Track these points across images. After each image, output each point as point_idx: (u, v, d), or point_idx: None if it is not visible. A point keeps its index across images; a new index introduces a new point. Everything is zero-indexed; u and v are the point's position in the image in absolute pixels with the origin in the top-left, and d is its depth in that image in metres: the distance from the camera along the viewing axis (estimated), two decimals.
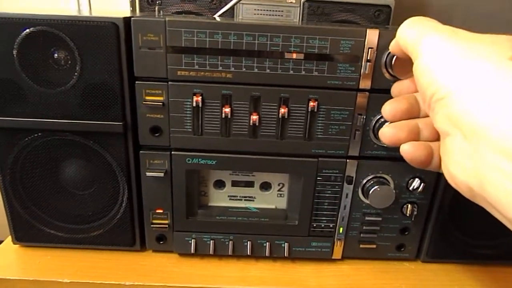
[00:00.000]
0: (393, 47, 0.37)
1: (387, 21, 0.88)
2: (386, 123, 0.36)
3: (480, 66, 0.25)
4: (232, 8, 0.63)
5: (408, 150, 0.34)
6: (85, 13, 0.49)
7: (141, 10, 0.85)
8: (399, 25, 0.34)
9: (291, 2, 0.88)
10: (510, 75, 0.23)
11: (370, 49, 0.40)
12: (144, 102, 0.42)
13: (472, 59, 0.25)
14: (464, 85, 0.25)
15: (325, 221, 0.49)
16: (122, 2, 0.94)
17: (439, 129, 0.28)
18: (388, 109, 0.36)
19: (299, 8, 0.89)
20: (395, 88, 0.39)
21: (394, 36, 0.40)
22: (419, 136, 0.34)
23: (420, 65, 0.29)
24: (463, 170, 0.26)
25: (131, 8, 0.87)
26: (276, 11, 0.89)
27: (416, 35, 0.31)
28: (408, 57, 0.32)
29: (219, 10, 0.65)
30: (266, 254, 0.49)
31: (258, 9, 0.88)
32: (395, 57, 0.39)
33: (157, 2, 0.83)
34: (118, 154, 0.44)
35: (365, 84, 0.42)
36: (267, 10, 0.88)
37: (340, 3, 0.87)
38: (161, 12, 0.46)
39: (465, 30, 0.30)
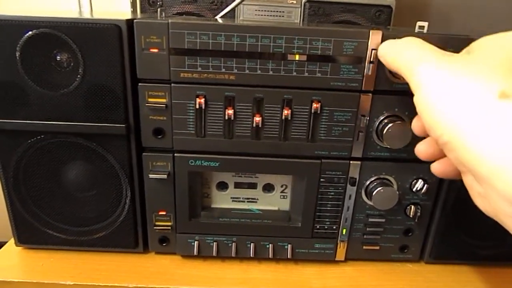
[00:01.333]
0: (381, 60, 0.37)
1: (388, 22, 0.88)
2: (421, 141, 0.36)
3: (476, 109, 0.24)
4: (233, 9, 0.63)
5: (436, 169, 0.34)
6: (87, 14, 0.49)
7: (142, 11, 0.85)
8: (399, 25, 0.34)
9: (292, 3, 0.88)
10: (501, 119, 0.23)
11: (373, 51, 0.40)
12: (147, 104, 0.42)
13: (468, 100, 0.25)
14: (464, 130, 0.24)
15: (328, 223, 0.49)
16: (123, 3, 0.94)
17: (456, 165, 0.28)
18: (414, 125, 0.35)
19: (300, 9, 0.89)
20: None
21: (397, 37, 0.40)
22: None
23: (419, 102, 0.28)
24: (483, 205, 0.26)
25: (132, 9, 0.87)
26: (277, 11, 0.88)
27: (407, 63, 0.31)
28: None
29: (220, 11, 0.65)
30: (269, 256, 0.49)
31: (259, 10, 0.88)
32: None
33: (158, 3, 0.83)
34: (121, 156, 0.44)
35: (368, 85, 0.42)
36: (268, 11, 0.88)
37: (341, 3, 0.87)
38: (163, 13, 0.46)
39: (456, 55, 0.29)
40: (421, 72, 0.29)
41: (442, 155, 0.34)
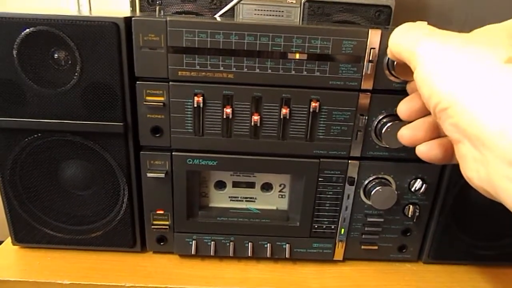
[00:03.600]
0: (389, 54, 0.37)
1: (388, 22, 0.88)
2: (404, 125, 0.36)
3: (479, 74, 0.24)
4: (232, 8, 0.62)
5: (423, 151, 0.34)
6: (85, 13, 0.49)
7: (141, 10, 0.85)
8: (399, 25, 0.34)
9: (291, 3, 0.88)
10: (508, 82, 0.23)
11: (372, 50, 0.40)
12: (144, 103, 0.42)
13: (470, 66, 0.25)
14: (466, 95, 0.24)
15: (326, 222, 0.48)
16: (122, 2, 0.93)
17: (449, 136, 0.28)
18: (403, 109, 0.36)
19: (299, 9, 0.89)
20: (408, 87, 0.39)
21: None
22: (439, 131, 0.34)
23: (419, 75, 0.29)
24: (478, 176, 0.26)
25: (131, 8, 0.87)
26: (276, 11, 0.88)
27: (408, 44, 0.31)
28: None
29: (219, 10, 0.65)
30: (267, 255, 0.49)
31: (258, 9, 0.88)
32: None
33: (157, 2, 0.83)
34: (119, 155, 0.44)
35: (367, 84, 0.42)
36: (267, 10, 0.88)
37: (341, 3, 0.87)
38: (162, 12, 0.46)
39: (456, 32, 0.29)
40: (424, 47, 0.29)
41: (426, 139, 0.34)
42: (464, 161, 0.27)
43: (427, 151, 0.34)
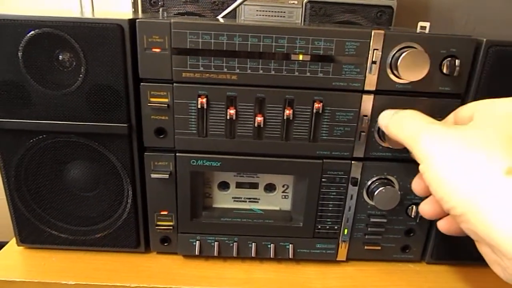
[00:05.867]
0: (385, 130, 0.39)
1: (389, 22, 0.88)
2: (424, 200, 0.38)
3: (485, 186, 0.25)
4: (235, 9, 0.63)
5: (443, 227, 0.35)
6: (88, 14, 0.49)
7: (143, 11, 0.85)
8: (401, 25, 0.35)
9: (293, 3, 0.88)
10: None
11: (375, 51, 0.40)
12: (149, 104, 0.42)
13: (476, 177, 0.26)
14: (479, 204, 0.25)
15: (329, 223, 0.49)
16: (124, 4, 0.94)
17: (468, 234, 0.28)
18: (416, 188, 0.38)
19: (301, 9, 0.89)
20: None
21: (399, 38, 0.40)
22: None
23: (427, 174, 0.30)
24: (502, 274, 0.27)
25: (133, 10, 0.87)
26: (278, 12, 0.89)
27: (409, 135, 0.33)
28: None
29: (221, 11, 0.65)
30: (271, 256, 0.49)
31: (260, 10, 0.88)
32: None
33: (160, 3, 0.83)
34: (123, 156, 0.44)
35: (370, 85, 0.42)
36: (269, 11, 0.88)
37: (342, 4, 0.87)
38: (165, 13, 0.46)
39: (454, 128, 0.30)
40: (425, 144, 0.30)
41: (446, 213, 0.35)
42: (487, 260, 0.28)
43: (448, 227, 0.35)
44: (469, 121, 0.31)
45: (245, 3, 0.83)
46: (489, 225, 0.24)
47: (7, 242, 0.51)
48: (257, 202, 0.51)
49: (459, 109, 0.36)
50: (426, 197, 0.38)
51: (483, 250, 0.28)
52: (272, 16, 0.88)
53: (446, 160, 0.28)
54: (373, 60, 0.41)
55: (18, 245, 0.49)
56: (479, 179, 0.25)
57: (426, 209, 0.37)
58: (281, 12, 0.89)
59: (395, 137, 0.36)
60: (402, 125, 0.35)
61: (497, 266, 0.27)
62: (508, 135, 0.26)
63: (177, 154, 0.45)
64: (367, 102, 0.43)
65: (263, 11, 0.88)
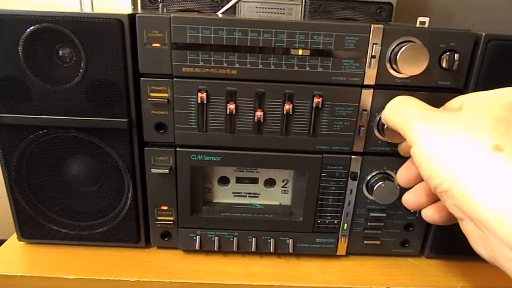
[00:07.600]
0: (384, 121, 0.40)
1: (389, 18, 0.88)
2: (408, 191, 0.39)
3: (473, 161, 0.26)
4: (234, 6, 0.63)
5: (428, 215, 0.36)
6: (88, 10, 0.49)
7: (143, 8, 0.85)
8: (400, 22, 0.35)
9: (292, 0, 0.88)
10: (498, 169, 0.25)
11: (374, 45, 0.40)
12: (149, 99, 0.43)
13: (464, 153, 0.27)
14: (464, 180, 0.26)
15: (329, 217, 0.49)
16: (123, 1, 0.94)
17: (452, 212, 0.29)
18: (401, 177, 0.39)
19: (300, 6, 0.89)
20: (400, 149, 0.43)
21: (398, 32, 0.40)
22: None
23: (417, 155, 0.31)
24: (484, 251, 0.27)
25: (133, 7, 0.87)
26: (278, 8, 0.89)
27: (402, 121, 0.34)
28: None
29: (221, 8, 0.65)
30: (271, 250, 0.49)
31: (260, 7, 0.88)
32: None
33: (159, 0, 0.83)
34: (123, 151, 0.45)
35: (370, 80, 0.42)
36: (269, 8, 0.88)
37: (342, 0, 0.87)
38: (165, 9, 0.46)
39: (446, 111, 0.32)
40: (417, 127, 0.31)
41: (429, 203, 0.36)
42: (470, 237, 0.28)
43: (432, 215, 0.36)
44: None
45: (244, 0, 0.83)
46: (473, 198, 0.25)
47: (5, 240, 0.51)
48: (257, 197, 0.51)
49: (448, 102, 0.37)
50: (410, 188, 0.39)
51: (467, 228, 0.28)
52: (271, 13, 0.88)
53: (436, 138, 0.29)
54: (372, 54, 0.41)
55: (19, 240, 0.50)
56: (466, 155, 0.26)
57: (410, 199, 0.38)
58: (281, 9, 0.89)
59: (390, 124, 0.37)
60: (396, 111, 0.36)
61: (480, 243, 0.27)
62: (496, 115, 0.28)
63: (177, 149, 0.45)
64: (367, 97, 0.43)
65: (263, 8, 0.88)
